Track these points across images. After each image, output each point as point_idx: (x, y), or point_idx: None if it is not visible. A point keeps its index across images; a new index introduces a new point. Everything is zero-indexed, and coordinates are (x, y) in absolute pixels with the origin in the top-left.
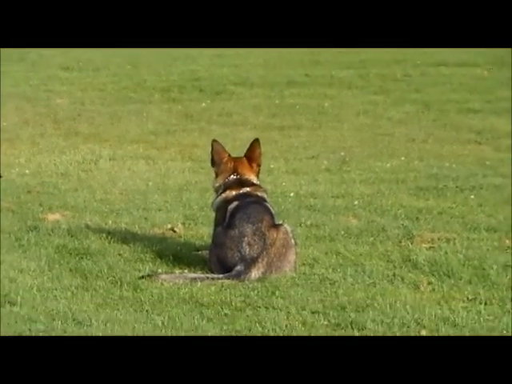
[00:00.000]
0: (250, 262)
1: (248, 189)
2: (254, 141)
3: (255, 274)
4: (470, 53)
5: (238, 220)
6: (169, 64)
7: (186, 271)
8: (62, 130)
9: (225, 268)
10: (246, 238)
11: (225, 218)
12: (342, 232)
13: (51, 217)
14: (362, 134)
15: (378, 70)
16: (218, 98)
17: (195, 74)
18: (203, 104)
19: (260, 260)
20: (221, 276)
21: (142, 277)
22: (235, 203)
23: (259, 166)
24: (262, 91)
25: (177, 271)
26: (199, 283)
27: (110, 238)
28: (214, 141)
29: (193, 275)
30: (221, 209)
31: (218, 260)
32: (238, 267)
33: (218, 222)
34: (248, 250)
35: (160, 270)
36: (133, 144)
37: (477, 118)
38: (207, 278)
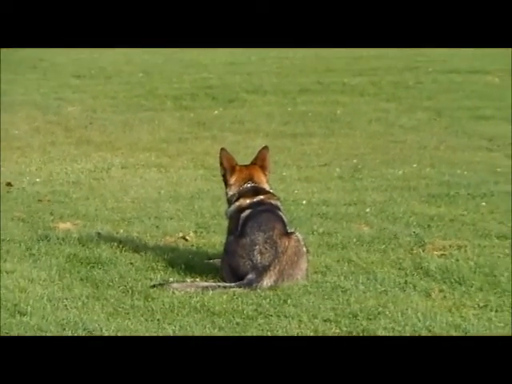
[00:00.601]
0: (262, 271)
1: (262, 197)
2: (263, 148)
3: (267, 282)
4: (481, 60)
5: (250, 228)
6: (181, 72)
7: (197, 280)
8: (74, 138)
9: (237, 276)
10: (257, 247)
11: (237, 227)
12: (354, 240)
13: (62, 226)
14: (374, 141)
15: (390, 78)
16: (231, 105)
17: (207, 81)
18: (215, 112)
19: (272, 268)
20: (233, 285)
21: (154, 286)
22: (248, 211)
23: (269, 173)
24: (274, 99)
25: (188, 280)
26: (211, 292)
27: (121, 246)
28: (223, 149)
29: (204, 284)
30: (234, 217)
31: (230, 268)
32: (250, 275)
33: (230, 231)
34: (259, 258)
35: (172, 279)
36: (145, 152)
37: (488, 125)
38: (219, 286)
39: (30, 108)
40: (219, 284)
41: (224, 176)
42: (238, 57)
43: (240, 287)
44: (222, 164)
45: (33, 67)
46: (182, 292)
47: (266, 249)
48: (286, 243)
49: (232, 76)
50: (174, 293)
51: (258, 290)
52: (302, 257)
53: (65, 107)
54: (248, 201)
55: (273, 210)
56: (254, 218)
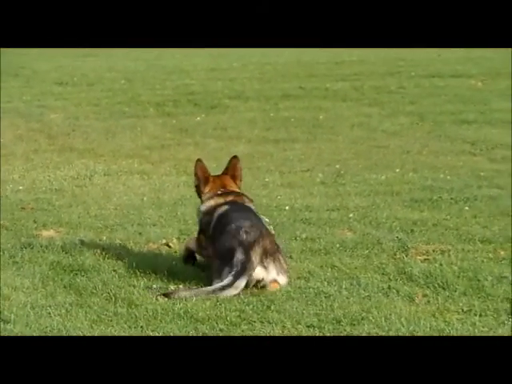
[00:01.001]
0: (248, 246)
1: (235, 197)
2: (233, 158)
3: (255, 257)
4: (464, 64)
5: (234, 218)
6: (163, 78)
7: (180, 286)
8: (56, 145)
9: (224, 259)
10: (243, 228)
11: (210, 224)
12: (337, 245)
13: (45, 233)
14: (356, 146)
15: (373, 83)
16: (213, 111)
17: (190, 88)
18: (198, 118)
19: (257, 244)
20: (231, 278)
21: (163, 294)
22: (225, 207)
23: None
24: (256, 105)
25: (172, 287)
26: (219, 294)
27: (104, 253)
28: (199, 160)
29: (209, 288)
30: (208, 214)
31: (219, 256)
32: (238, 254)
33: (201, 228)
34: (245, 236)
35: (155, 286)
36: (127, 159)
37: (471, 129)
38: (223, 286)
39: (13, 116)
40: (222, 284)
41: (197, 187)
42: (219, 63)
43: (237, 277)
44: (196, 174)
45: (15, 75)
46: (188, 298)
47: (251, 229)
48: (268, 231)
49: (214, 82)
50: (157, 299)
51: (252, 273)
52: (280, 248)
53: (47, 115)
54: (223, 200)
55: (249, 208)
56: (235, 211)
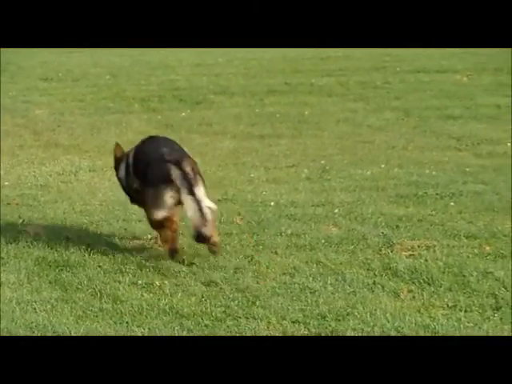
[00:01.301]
0: (178, 161)
1: None
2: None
3: (188, 169)
4: (449, 59)
5: (150, 151)
6: (148, 74)
7: (166, 283)
8: (42, 141)
9: (160, 184)
10: (164, 154)
11: (129, 168)
12: (323, 241)
13: (31, 229)
14: (342, 141)
15: (358, 78)
16: (198, 107)
17: (175, 83)
18: (183, 114)
19: (184, 160)
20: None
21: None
22: (133, 150)
23: None
24: (242, 100)
25: (157, 282)
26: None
27: (89, 249)
28: (117, 144)
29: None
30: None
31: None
32: (172, 171)
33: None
34: (168, 154)
35: (140, 282)
36: (112, 155)
37: (457, 124)
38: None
39: None
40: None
41: (117, 166)
42: (205, 58)
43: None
44: (115, 156)
45: (1, 71)
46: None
47: (173, 151)
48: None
49: (199, 77)
50: (142, 295)
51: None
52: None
53: (32, 110)
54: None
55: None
56: (147, 143)
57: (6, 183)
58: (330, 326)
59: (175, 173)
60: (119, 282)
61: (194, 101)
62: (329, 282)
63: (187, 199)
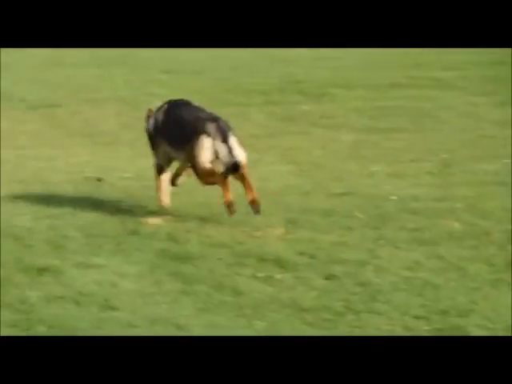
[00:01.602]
0: (213, 118)
1: None
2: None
3: (222, 123)
4: None
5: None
6: (268, 67)
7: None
8: None
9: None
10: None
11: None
12: (445, 235)
13: (152, 220)
14: (464, 135)
15: (480, 72)
16: (319, 100)
17: (295, 76)
18: (304, 107)
19: (218, 118)
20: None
21: None
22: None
23: None
24: (363, 93)
25: (277, 275)
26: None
27: (210, 242)
28: (150, 109)
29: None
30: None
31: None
32: (207, 126)
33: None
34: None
35: (260, 275)
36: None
37: None
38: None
39: (119, 104)
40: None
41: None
42: (324, 51)
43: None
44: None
45: (122, 63)
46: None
47: (204, 111)
48: None
49: (319, 70)
50: (263, 288)
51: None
52: None
53: (153, 103)
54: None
55: None
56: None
57: (127, 175)
58: (452, 321)
59: (210, 126)
60: (240, 275)
61: (314, 94)
62: (451, 277)
63: (220, 145)
